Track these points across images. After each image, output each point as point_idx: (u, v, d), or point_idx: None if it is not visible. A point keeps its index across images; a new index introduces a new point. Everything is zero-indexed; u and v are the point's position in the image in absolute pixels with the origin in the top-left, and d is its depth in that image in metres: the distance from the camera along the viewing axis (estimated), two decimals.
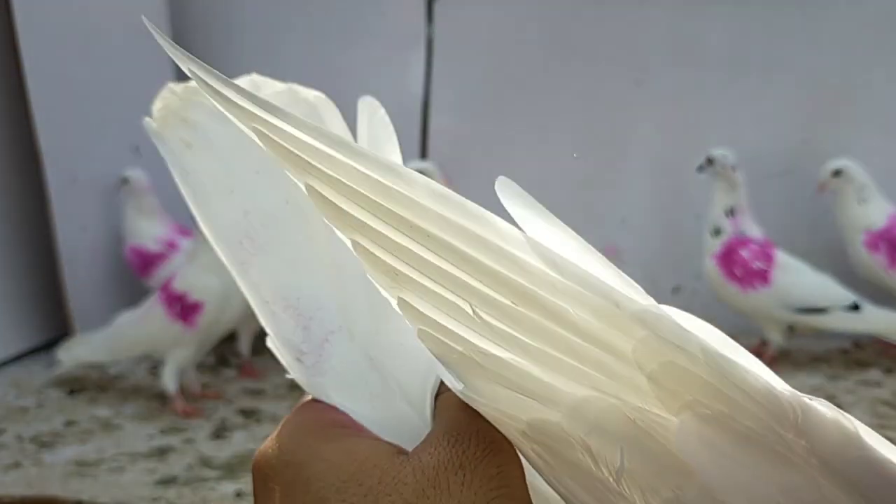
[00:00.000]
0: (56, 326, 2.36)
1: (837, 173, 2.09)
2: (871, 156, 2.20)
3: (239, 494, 1.45)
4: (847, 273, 2.08)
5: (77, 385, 2.07)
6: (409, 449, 0.35)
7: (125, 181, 2.30)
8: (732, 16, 2.33)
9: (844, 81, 2.25)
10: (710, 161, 2.09)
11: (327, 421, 0.38)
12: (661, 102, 2.37)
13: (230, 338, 2.45)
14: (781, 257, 2.01)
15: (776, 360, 2.04)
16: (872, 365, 2.03)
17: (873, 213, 2.08)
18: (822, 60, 2.27)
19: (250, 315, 1.98)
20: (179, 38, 2.75)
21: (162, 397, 1.99)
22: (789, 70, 2.28)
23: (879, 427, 1.65)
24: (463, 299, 0.30)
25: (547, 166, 2.27)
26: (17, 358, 2.28)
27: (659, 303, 0.29)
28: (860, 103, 2.22)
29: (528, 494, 0.33)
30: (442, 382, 0.37)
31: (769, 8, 2.30)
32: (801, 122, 2.27)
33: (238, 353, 2.15)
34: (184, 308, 1.75)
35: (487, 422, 0.33)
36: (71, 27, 2.37)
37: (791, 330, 2.06)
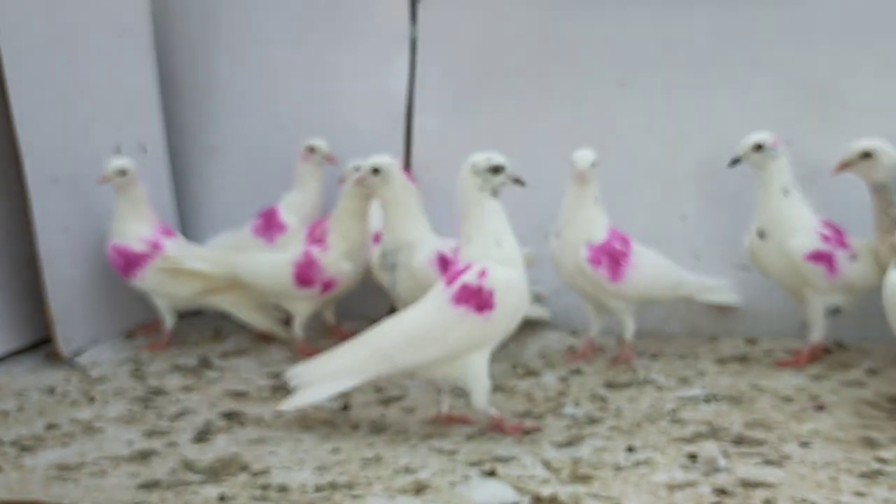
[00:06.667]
0: (36, 329, 2.33)
1: (595, 165, 2.06)
2: None
3: (222, 498, 1.44)
4: None
5: (61, 386, 2.06)
6: None
7: (122, 172, 2.26)
8: (717, 17, 2.33)
9: (829, 82, 2.26)
10: (758, 147, 2.03)
11: None
12: (647, 103, 2.37)
13: (215, 338, 2.44)
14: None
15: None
16: (855, 366, 2.04)
17: (601, 220, 2.08)
18: (807, 61, 2.27)
19: (304, 298, 2.21)
20: (162, 40, 2.73)
21: (144, 400, 1.97)
22: (774, 70, 2.29)
23: (863, 427, 1.66)
24: None
25: (532, 167, 2.26)
26: None
27: None
28: (845, 103, 2.22)
29: None
30: None
31: (754, 9, 2.30)
32: (787, 122, 2.27)
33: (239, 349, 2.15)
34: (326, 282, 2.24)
35: None
36: (52, 27, 2.34)
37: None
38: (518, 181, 1.74)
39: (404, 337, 1.67)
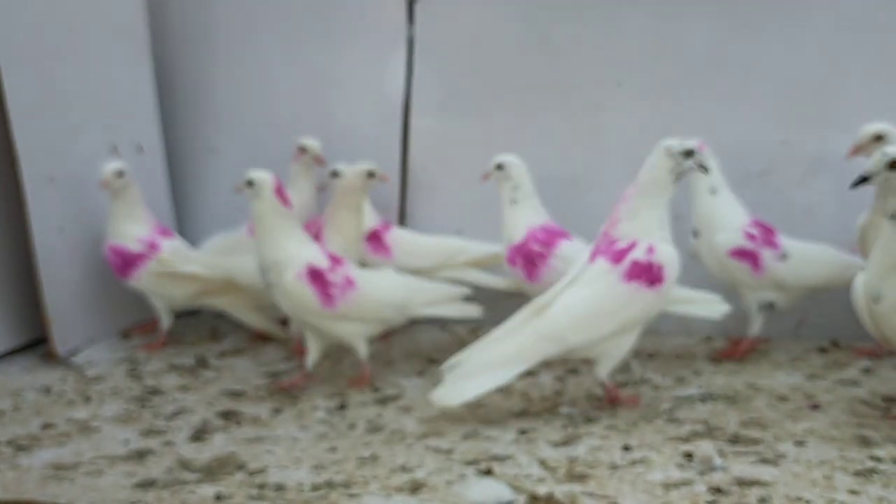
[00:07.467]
0: (32, 329, 2.33)
1: (500, 167, 2.14)
2: None
3: (219, 497, 1.44)
4: None
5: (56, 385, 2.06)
6: None
7: (120, 174, 2.27)
8: (712, 18, 2.34)
9: (822, 83, 2.27)
10: None
11: None
12: (642, 103, 2.37)
13: (211, 338, 2.44)
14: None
15: None
16: (850, 365, 2.05)
17: (518, 222, 2.14)
18: (800, 62, 2.28)
19: None
20: (159, 39, 2.73)
21: (140, 399, 1.97)
22: (768, 72, 2.30)
23: (858, 426, 1.67)
24: None
25: (528, 167, 2.27)
26: None
27: None
28: (838, 105, 2.23)
29: None
30: None
31: (748, 10, 2.31)
32: (780, 122, 2.29)
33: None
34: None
35: None
36: (48, 27, 2.34)
37: None
38: (703, 167, 1.81)
39: (576, 318, 1.72)
